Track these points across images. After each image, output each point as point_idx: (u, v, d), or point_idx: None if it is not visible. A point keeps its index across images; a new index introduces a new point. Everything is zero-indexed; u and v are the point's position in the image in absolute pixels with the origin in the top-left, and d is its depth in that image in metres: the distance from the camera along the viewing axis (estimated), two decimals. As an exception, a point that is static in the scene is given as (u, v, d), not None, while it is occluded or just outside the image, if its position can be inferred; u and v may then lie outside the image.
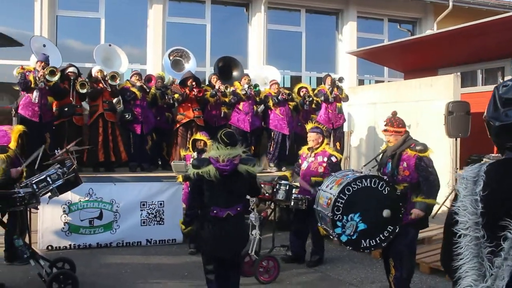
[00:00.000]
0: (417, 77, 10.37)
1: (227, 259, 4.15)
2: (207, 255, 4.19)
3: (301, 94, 9.24)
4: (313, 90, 9.66)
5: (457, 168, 9.15)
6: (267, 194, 5.73)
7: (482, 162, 1.98)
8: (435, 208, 8.53)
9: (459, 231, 1.81)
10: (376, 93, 10.89)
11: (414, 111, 9.63)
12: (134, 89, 7.92)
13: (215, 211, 4.02)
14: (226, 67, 9.85)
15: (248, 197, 5.53)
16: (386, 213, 4.33)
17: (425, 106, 9.60)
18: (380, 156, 4.92)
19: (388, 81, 13.52)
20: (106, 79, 7.83)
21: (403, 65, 13.17)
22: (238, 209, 4.12)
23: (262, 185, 5.73)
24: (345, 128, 9.80)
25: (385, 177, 4.47)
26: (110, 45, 9.09)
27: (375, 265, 6.20)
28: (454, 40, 10.16)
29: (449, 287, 5.12)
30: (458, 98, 9.16)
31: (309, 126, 6.27)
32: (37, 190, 4.87)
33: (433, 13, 13.76)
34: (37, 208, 5.67)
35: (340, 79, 9.23)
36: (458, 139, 9.11)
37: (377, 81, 13.93)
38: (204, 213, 4.14)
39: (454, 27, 9.75)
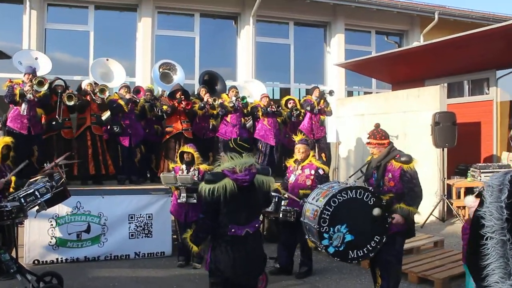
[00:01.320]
0: (405, 88, 10.53)
1: (246, 284, 3.70)
2: (224, 282, 3.63)
3: (289, 106, 9.32)
4: (299, 101, 9.74)
5: (444, 178, 9.25)
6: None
7: (506, 171, 2.12)
8: (424, 217, 8.65)
9: (486, 234, 1.98)
10: (364, 104, 11.01)
11: (402, 122, 9.76)
12: (121, 102, 7.92)
13: (233, 230, 3.54)
14: (211, 81, 9.92)
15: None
16: (376, 211, 4.35)
17: (412, 117, 9.73)
18: (366, 167, 4.96)
19: (376, 92, 13.67)
20: (96, 91, 7.83)
21: (390, 77, 13.34)
22: (256, 225, 3.71)
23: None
24: (334, 140, 9.85)
25: (370, 188, 4.51)
26: (107, 60, 9.09)
27: (364, 275, 6.21)
28: (441, 51, 10.33)
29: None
30: (444, 109, 9.30)
31: (297, 137, 6.29)
32: (24, 204, 4.84)
33: (420, 25, 14.00)
34: (23, 223, 5.64)
35: (331, 92, 9.32)
36: (445, 149, 9.23)
37: (365, 93, 14.09)
38: (220, 234, 3.60)
39: (440, 39, 9.93)
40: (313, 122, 9.24)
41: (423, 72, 12.08)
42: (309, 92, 9.92)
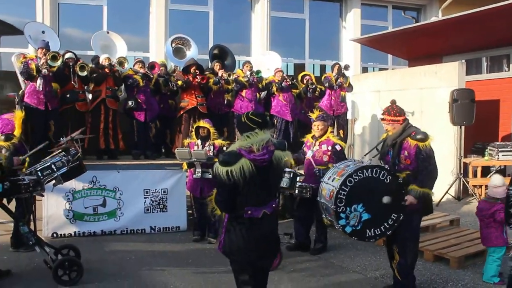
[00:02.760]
0: (422, 65, 10.33)
1: (263, 267, 3.52)
2: (242, 264, 3.42)
3: (304, 81, 9.21)
4: (317, 78, 9.62)
5: (461, 156, 9.14)
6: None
7: None
8: (439, 196, 8.58)
9: None
10: (380, 81, 10.85)
11: (418, 99, 9.61)
12: (137, 77, 7.88)
13: (249, 212, 3.29)
14: (220, 55, 9.81)
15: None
16: (386, 199, 4.33)
17: (429, 94, 9.57)
18: (381, 145, 4.90)
19: (392, 69, 13.45)
20: (114, 64, 7.78)
21: (407, 53, 13.10)
22: (274, 205, 3.44)
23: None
24: (349, 116, 9.76)
25: (386, 166, 4.45)
26: (108, 32, 9.03)
27: (378, 252, 6.22)
28: (459, 27, 10.09)
29: (452, 275, 5.18)
30: (463, 86, 9.14)
31: (315, 114, 6.23)
32: (41, 177, 4.89)
33: (438, 0, 13.62)
34: (42, 195, 5.70)
35: (346, 67, 9.18)
36: (463, 127, 9.09)
37: (380, 69, 13.86)
38: (236, 216, 3.37)
39: (459, 13, 9.66)
40: (333, 98, 9.11)
41: (440, 48, 11.83)
42: (324, 68, 9.79)
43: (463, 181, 9.13)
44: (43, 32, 8.40)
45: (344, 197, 4.28)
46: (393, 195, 4.37)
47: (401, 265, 4.56)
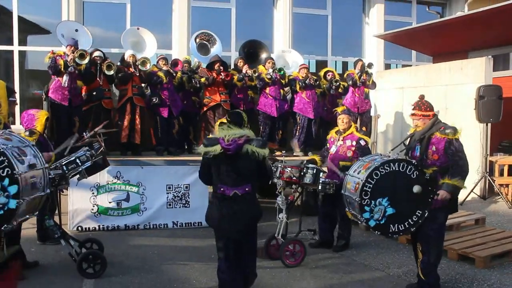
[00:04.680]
0: (446, 61, 10.15)
1: (235, 239, 4.12)
2: (216, 232, 4.19)
3: (328, 78, 9.12)
4: (340, 74, 9.53)
5: (487, 154, 8.96)
6: (294, 178, 5.69)
7: None
8: (464, 194, 8.42)
9: None
10: (404, 77, 10.71)
11: (443, 96, 9.46)
12: (160, 74, 7.94)
13: (221, 189, 4.04)
14: (253, 51, 9.80)
15: (275, 179, 5.55)
16: (416, 188, 4.27)
17: (454, 91, 9.41)
18: (408, 140, 4.84)
19: (416, 65, 13.25)
20: (137, 64, 7.87)
21: (432, 49, 12.90)
22: (247, 189, 4.07)
23: (289, 169, 5.70)
24: (372, 113, 9.64)
25: (413, 161, 4.40)
26: (138, 29, 9.10)
27: (401, 250, 6.14)
28: (486, 21, 9.87)
29: (477, 274, 5.09)
30: (490, 82, 8.96)
31: (340, 108, 6.19)
32: (66, 171, 4.99)
33: (464, -6, 13.38)
34: (66, 189, 5.81)
35: (369, 65, 9.05)
36: (489, 125, 8.91)
37: (404, 65, 13.67)
38: (214, 191, 4.19)
39: (486, 7, 9.45)
40: (357, 95, 9.01)
41: (466, 44, 11.62)
42: (346, 65, 9.69)
43: (488, 180, 8.95)
44: (76, 30, 8.50)
45: (369, 190, 4.24)
46: (417, 194, 4.30)
47: (424, 263, 4.50)
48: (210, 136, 4.39)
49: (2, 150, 3.74)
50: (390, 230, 4.37)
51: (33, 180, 4.08)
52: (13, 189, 3.75)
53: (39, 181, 4.20)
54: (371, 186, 4.24)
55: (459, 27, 10.76)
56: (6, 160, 3.73)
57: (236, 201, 4.03)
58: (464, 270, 5.38)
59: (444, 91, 9.52)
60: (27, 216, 4.25)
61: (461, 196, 8.18)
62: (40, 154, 4.36)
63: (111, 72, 7.70)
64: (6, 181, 3.73)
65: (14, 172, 3.74)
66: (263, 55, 9.82)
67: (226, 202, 4.05)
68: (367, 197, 4.25)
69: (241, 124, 4.12)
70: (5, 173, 3.73)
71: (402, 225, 4.37)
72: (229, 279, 4.15)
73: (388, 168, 4.28)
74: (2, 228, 3.82)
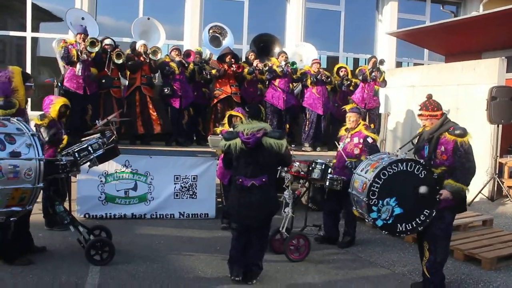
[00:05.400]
0: (459, 61, 10.07)
1: (248, 225, 4.50)
2: (234, 219, 4.71)
3: (340, 74, 9.06)
4: (351, 71, 9.48)
5: (496, 156, 8.90)
6: (302, 172, 5.69)
7: None
8: (472, 195, 8.38)
9: None
10: (416, 76, 10.64)
11: (455, 95, 9.40)
12: (172, 64, 7.96)
13: (240, 180, 4.37)
14: (265, 45, 9.79)
15: (283, 173, 5.56)
16: (423, 189, 4.25)
17: (466, 91, 9.34)
18: (417, 139, 4.80)
19: (428, 64, 13.15)
20: (148, 53, 7.89)
21: (444, 48, 12.79)
22: (264, 180, 4.38)
23: (298, 163, 5.70)
24: (382, 111, 9.59)
25: (421, 161, 4.37)
26: (148, 19, 9.12)
27: (407, 249, 6.13)
28: (501, 22, 9.75)
29: (483, 275, 5.07)
30: (502, 83, 8.88)
31: (348, 106, 6.17)
32: (78, 158, 5.02)
33: (479, -6, 13.23)
34: (75, 176, 5.86)
35: (381, 62, 9.00)
36: (500, 126, 8.84)
37: (415, 64, 13.59)
38: (234, 181, 4.51)
39: (501, 8, 9.34)
40: (365, 91, 8.97)
41: (480, 44, 11.49)
42: (358, 62, 9.64)
43: (497, 182, 8.89)
44: (82, 18, 8.56)
45: (377, 190, 4.23)
46: (423, 194, 4.29)
47: (430, 262, 4.48)
48: (230, 129, 4.88)
49: None
50: (398, 230, 4.35)
51: (12, 169, 3.99)
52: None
53: (24, 171, 4.10)
54: (378, 186, 4.23)
55: (473, 27, 10.65)
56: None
57: (254, 192, 4.36)
58: (470, 271, 5.37)
59: (455, 91, 9.45)
60: (14, 209, 4.16)
61: (469, 197, 8.16)
62: (40, 146, 4.27)
63: (121, 61, 7.72)
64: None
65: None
66: (276, 49, 9.80)
67: (244, 192, 4.37)
68: (374, 197, 4.24)
69: (259, 117, 4.52)
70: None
71: (409, 225, 4.35)
72: (236, 254, 4.63)
73: (396, 168, 4.26)
74: None
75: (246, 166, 4.35)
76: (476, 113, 8.90)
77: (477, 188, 8.59)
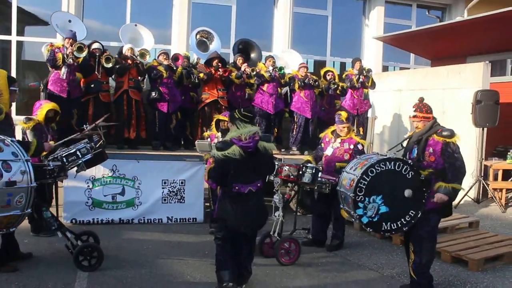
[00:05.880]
0: (445, 65, 10.21)
1: (248, 233, 4.38)
2: (230, 228, 4.31)
3: (327, 78, 9.10)
4: (338, 75, 9.51)
5: (482, 159, 9.01)
6: (292, 176, 5.68)
7: None
8: (458, 198, 8.45)
9: None
10: (402, 80, 10.75)
11: (440, 99, 9.50)
12: (160, 68, 7.94)
13: (237, 188, 4.20)
14: (245, 50, 9.80)
15: (271, 177, 5.56)
16: (407, 192, 4.32)
17: (452, 94, 9.46)
18: (406, 141, 4.86)
19: (414, 68, 13.29)
20: (136, 55, 7.86)
21: (430, 52, 12.95)
22: (259, 184, 4.31)
23: (288, 167, 5.70)
24: (369, 114, 9.65)
25: (409, 161, 4.44)
26: (136, 25, 9.10)
27: (395, 251, 6.17)
28: (485, 27, 9.91)
29: (470, 277, 5.12)
30: (487, 87, 9.01)
31: (343, 116, 6.10)
32: (66, 163, 4.97)
33: (464, 0, 13.41)
34: (62, 181, 5.80)
35: (368, 70, 9.03)
36: (485, 129, 8.96)
37: (402, 68, 13.72)
38: (227, 190, 4.30)
39: (485, 13, 9.49)
40: (355, 97, 8.96)
41: (464, 49, 11.66)
42: (345, 66, 9.67)
43: (483, 184, 9.00)
44: (69, 21, 8.49)
45: (364, 187, 4.29)
46: (414, 191, 4.35)
47: (416, 263, 4.53)
48: (223, 139, 4.59)
49: None
50: (383, 228, 4.41)
51: (6, 198, 4.07)
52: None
53: (16, 199, 4.19)
54: (365, 182, 4.28)
55: (458, 32, 10.80)
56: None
57: (249, 198, 4.25)
58: (457, 273, 5.42)
59: (441, 95, 9.56)
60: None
61: (455, 199, 8.26)
62: (32, 171, 4.32)
63: (110, 65, 7.69)
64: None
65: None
66: (253, 55, 9.81)
67: (240, 200, 4.23)
68: (361, 194, 4.29)
69: (252, 121, 4.28)
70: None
71: (394, 224, 4.41)
72: (226, 260, 4.45)
73: (384, 167, 4.33)
74: None
75: (244, 172, 4.18)
76: (461, 117, 9.01)
77: (463, 190, 8.67)
